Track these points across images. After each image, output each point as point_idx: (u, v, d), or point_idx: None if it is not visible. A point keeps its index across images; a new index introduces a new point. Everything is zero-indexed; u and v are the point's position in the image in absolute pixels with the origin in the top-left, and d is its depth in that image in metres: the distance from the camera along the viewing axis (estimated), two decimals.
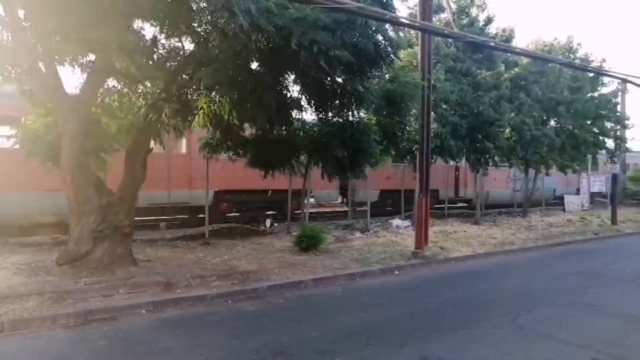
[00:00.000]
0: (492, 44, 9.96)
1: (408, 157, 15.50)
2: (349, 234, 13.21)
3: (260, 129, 10.30)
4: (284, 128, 10.33)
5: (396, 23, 8.95)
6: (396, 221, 15.63)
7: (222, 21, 6.64)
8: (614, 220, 18.12)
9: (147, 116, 7.96)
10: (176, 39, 8.11)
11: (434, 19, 13.69)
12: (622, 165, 24.49)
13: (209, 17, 7.27)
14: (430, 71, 11.17)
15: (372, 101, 9.67)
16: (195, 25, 7.57)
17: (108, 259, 7.81)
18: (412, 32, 14.94)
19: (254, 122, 9.83)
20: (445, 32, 11.17)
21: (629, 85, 20.18)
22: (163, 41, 8.21)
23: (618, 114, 21.86)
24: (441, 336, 5.56)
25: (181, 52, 8.13)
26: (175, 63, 8.00)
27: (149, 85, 7.87)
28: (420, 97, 10.77)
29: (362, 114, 10.65)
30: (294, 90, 9.73)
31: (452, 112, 15.06)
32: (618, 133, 21.88)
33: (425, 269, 9.75)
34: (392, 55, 8.87)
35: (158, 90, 8.33)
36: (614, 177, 19.71)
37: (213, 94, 8.91)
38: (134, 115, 8.61)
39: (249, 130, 10.94)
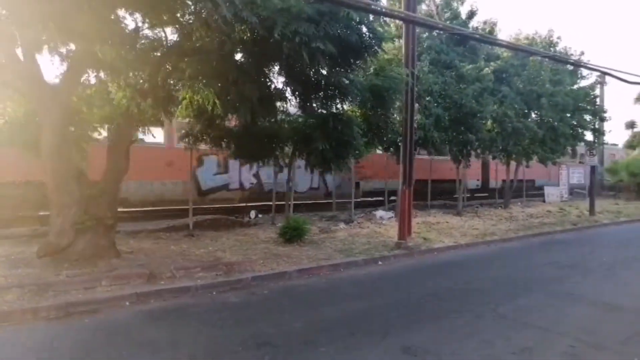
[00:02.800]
0: (477, 36, 10.03)
1: (392, 149, 15.58)
2: (333, 225, 13.28)
3: (244, 120, 10.25)
4: (267, 119, 10.29)
5: (380, 13, 8.96)
6: (380, 212, 15.75)
7: (206, 12, 6.58)
8: (591, 211, 18.53)
9: (129, 107, 7.86)
10: (159, 29, 8.01)
11: (417, 11, 13.71)
12: (600, 157, 24.99)
13: (192, 8, 7.20)
14: (414, 63, 11.22)
15: (356, 94, 9.69)
16: (179, 15, 7.48)
17: (90, 251, 7.74)
18: (398, 23, 14.96)
19: (237, 113, 9.78)
20: (430, 23, 11.19)
21: (606, 79, 20.52)
22: (146, 31, 8.11)
23: (596, 106, 22.23)
24: (423, 326, 5.66)
25: (164, 43, 8.03)
26: (158, 53, 7.91)
27: (131, 75, 7.76)
28: (404, 90, 10.82)
29: (346, 106, 10.67)
30: (278, 82, 9.71)
31: (436, 104, 15.16)
32: (596, 126, 22.28)
33: (408, 260, 9.87)
34: (376, 47, 8.89)
35: (141, 81, 8.23)
36: (592, 169, 20.13)
37: (196, 84, 8.83)
38: (116, 105, 8.50)
39: (232, 122, 10.89)
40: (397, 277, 8.39)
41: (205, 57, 7.71)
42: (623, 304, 6.70)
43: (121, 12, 7.31)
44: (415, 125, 13.06)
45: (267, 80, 9.39)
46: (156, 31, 8.19)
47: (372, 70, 10.67)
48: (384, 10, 8.97)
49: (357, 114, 11.38)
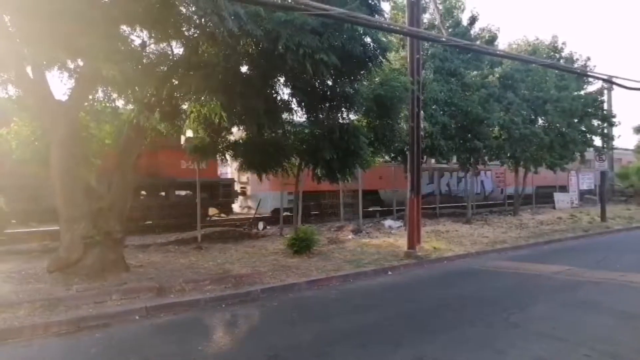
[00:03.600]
0: (475, 46, 10.03)
1: (399, 158, 15.57)
2: (341, 235, 13.24)
3: (251, 132, 10.29)
4: (273, 131, 10.32)
5: (385, 29, 9.00)
6: (388, 222, 15.69)
7: (211, 25, 6.64)
8: (603, 217, 18.31)
9: (137, 120, 7.93)
10: (165, 44, 8.09)
11: (421, 20, 13.76)
12: (610, 162, 24.80)
13: (197, 22, 7.27)
14: (419, 73, 11.24)
15: (361, 103, 9.70)
16: (184, 29, 7.56)
17: (99, 265, 7.76)
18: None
19: (244, 125, 9.83)
20: (432, 37, 11.24)
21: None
22: (152, 46, 8.20)
23: (604, 111, 22.11)
24: (435, 336, 5.58)
25: (170, 57, 8.10)
26: (165, 68, 7.97)
27: (137, 90, 7.83)
28: (409, 99, 10.83)
29: (352, 116, 10.68)
30: (284, 93, 9.75)
31: (442, 112, 15.15)
32: (605, 131, 22.14)
33: (418, 269, 9.80)
34: (380, 58, 8.92)
35: (148, 94, 8.30)
36: (603, 175, 19.93)
37: (203, 98, 8.89)
38: (123, 120, 8.57)
39: (239, 134, 10.93)
40: (407, 287, 8.32)
41: (211, 70, 7.76)
42: (638, 312, 6.59)
43: (127, 28, 7.42)
44: (422, 133, 13.05)
45: (273, 91, 9.44)
46: (162, 46, 8.27)
47: (377, 79, 10.69)
48: (389, 26, 8.99)
49: (363, 123, 11.38)
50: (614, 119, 22.46)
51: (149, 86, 7.56)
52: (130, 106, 8.20)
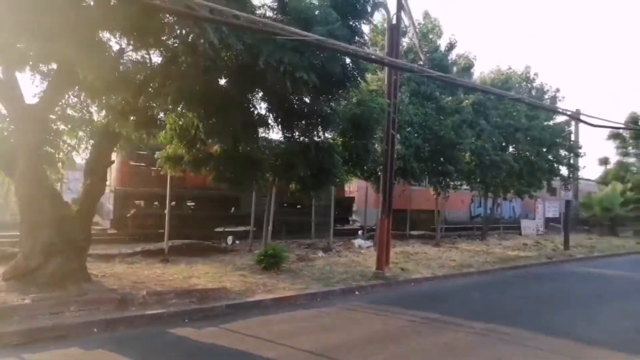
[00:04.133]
0: (449, 78, 10.30)
1: (372, 179, 15.69)
2: (311, 253, 13.19)
3: (226, 145, 10.22)
4: (249, 145, 10.29)
5: (366, 59, 9.13)
6: (358, 241, 15.74)
7: (192, 36, 6.63)
8: (566, 246, 18.81)
9: (109, 128, 7.79)
10: (144, 52, 8.00)
11: (400, 43, 14.03)
12: (575, 192, 25.61)
13: (178, 32, 7.23)
14: (396, 95, 11.41)
15: (338, 123, 9.79)
16: (164, 39, 7.51)
17: (60, 274, 7.50)
18: (381, 52, 15.27)
19: (220, 138, 9.76)
20: (408, 68, 11.49)
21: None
22: (130, 53, 8.10)
23: (571, 142, 22.88)
24: (399, 356, 5.60)
25: (148, 65, 8.02)
26: (142, 76, 7.88)
27: (113, 97, 7.70)
28: (385, 121, 10.98)
29: (327, 135, 10.74)
30: (262, 108, 9.75)
31: (416, 134, 15.39)
32: (571, 161, 22.87)
33: (385, 290, 9.82)
34: (359, 79, 9.04)
35: (123, 102, 8.17)
36: (567, 204, 20.53)
37: (180, 108, 8.81)
38: (95, 127, 8.40)
39: (214, 146, 10.83)
40: (374, 308, 8.31)
41: (189, 81, 7.72)
42: (595, 337, 6.76)
43: (106, 34, 7.32)
44: (395, 155, 13.21)
45: (251, 106, 9.43)
46: (141, 53, 8.18)
47: (354, 100, 10.81)
48: (370, 56, 9.12)
49: (338, 142, 11.46)
50: (580, 150, 23.25)
51: (124, 94, 7.45)
52: (103, 113, 8.05)
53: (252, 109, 9.44)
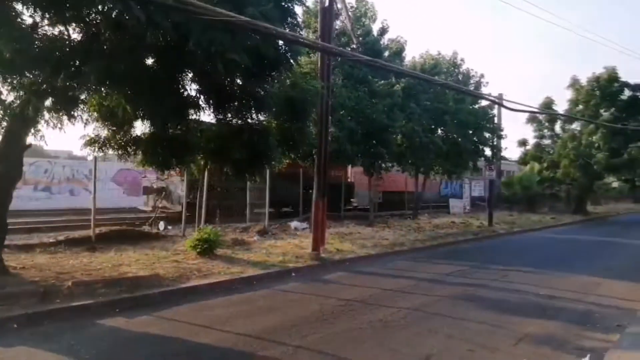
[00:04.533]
0: (379, 63, 10.54)
1: (307, 161, 15.75)
2: (247, 237, 13.10)
3: (155, 127, 9.81)
4: (179, 127, 9.94)
5: (298, 43, 9.05)
6: (295, 223, 15.83)
7: (116, 12, 6.25)
8: (490, 222, 20.04)
9: (23, 110, 7.22)
10: (61, 27, 7.44)
11: (333, 27, 14.06)
12: (498, 172, 27.14)
13: (100, 7, 6.79)
14: (329, 78, 11.47)
15: (271, 105, 9.68)
16: (84, 14, 7.01)
17: None
18: (314, 35, 15.22)
19: (148, 120, 9.34)
20: (344, 53, 11.59)
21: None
22: (46, 28, 7.50)
23: (494, 125, 24.15)
24: (335, 334, 5.74)
25: (67, 42, 7.47)
26: (60, 54, 7.33)
27: (26, 76, 7.11)
28: (319, 103, 11.00)
29: (261, 117, 10.59)
30: (192, 90, 9.42)
31: (349, 117, 15.60)
32: (494, 143, 24.17)
33: (322, 271, 9.99)
34: (291, 61, 8.96)
35: (40, 81, 7.58)
36: (491, 183, 21.78)
37: (104, 89, 8.31)
38: (7, 108, 7.75)
39: (141, 128, 10.36)
40: (310, 289, 8.43)
41: (113, 60, 7.28)
42: (509, 305, 7.29)
43: (18, 5, 6.71)
44: (330, 138, 13.31)
45: (181, 87, 9.09)
46: (58, 29, 7.60)
47: (288, 82, 10.72)
48: (302, 40, 9.05)
49: (273, 125, 11.35)
50: (502, 132, 24.61)
51: (40, 72, 6.91)
52: (16, 93, 7.43)
53: (182, 90, 9.09)
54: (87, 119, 9.21)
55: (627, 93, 27.70)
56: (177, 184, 17.17)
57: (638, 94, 27.52)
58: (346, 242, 13.11)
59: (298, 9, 9.57)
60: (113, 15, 6.56)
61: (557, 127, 30.96)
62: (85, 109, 8.93)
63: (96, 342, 5.39)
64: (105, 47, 7.27)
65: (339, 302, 7.41)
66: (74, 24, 7.24)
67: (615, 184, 40.58)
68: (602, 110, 27.58)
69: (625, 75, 28.35)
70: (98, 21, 7.15)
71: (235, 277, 8.52)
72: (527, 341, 5.81)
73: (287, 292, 8.12)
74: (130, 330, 5.82)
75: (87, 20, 7.14)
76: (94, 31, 7.22)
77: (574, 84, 29.28)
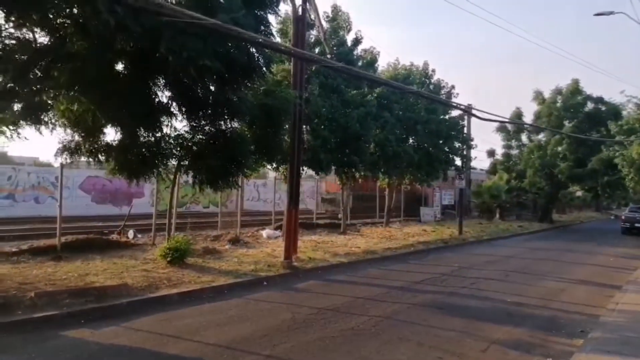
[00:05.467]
0: (354, 70, 10.69)
1: (281, 168, 15.72)
2: (218, 245, 12.94)
3: (126, 134, 9.63)
4: (151, 134, 9.79)
5: (272, 48, 9.10)
6: (267, 231, 15.73)
7: (84, 16, 6.14)
8: (460, 231, 20.35)
9: None
10: (26, 30, 7.25)
11: (307, 36, 14.15)
12: (468, 181, 27.70)
13: (68, 11, 6.66)
14: (302, 86, 11.51)
15: (245, 112, 9.64)
16: (51, 17, 6.86)
17: None
18: (288, 43, 15.26)
19: (119, 126, 9.18)
20: (315, 59, 11.68)
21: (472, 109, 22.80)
22: (11, 30, 7.30)
23: (464, 135, 24.66)
24: (306, 343, 5.72)
25: (33, 45, 7.29)
26: (25, 57, 7.15)
27: None
28: (293, 111, 11.02)
29: (235, 125, 10.54)
30: (164, 96, 9.32)
31: (323, 126, 15.64)
32: (464, 152, 24.67)
33: (294, 279, 9.93)
34: (264, 68, 8.97)
35: (3, 84, 7.36)
36: (461, 192, 22.17)
37: (72, 93, 8.12)
38: None
39: (112, 135, 10.16)
40: (281, 298, 8.37)
41: (82, 64, 7.14)
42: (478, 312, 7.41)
43: None
44: (305, 146, 13.34)
45: (151, 93, 8.97)
46: (23, 31, 7.41)
47: (261, 90, 10.70)
48: (277, 46, 9.09)
49: (246, 132, 11.29)
50: (472, 142, 25.14)
51: (3, 75, 6.71)
52: None
53: (153, 97, 8.98)
54: (55, 125, 8.99)
55: (589, 105, 28.74)
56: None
57: (600, 106, 28.56)
58: (318, 251, 13.09)
59: (271, 18, 9.61)
60: (81, 20, 6.45)
61: (524, 138, 31.83)
62: (53, 114, 8.70)
63: (59, 354, 5.22)
64: (73, 51, 7.12)
65: (310, 310, 7.39)
66: (40, 28, 7.06)
67: (579, 193, 41.93)
68: (565, 122, 28.51)
69: (586, 88, 29.45)
70: (66, 25, 7.01)
71: (206, 286, 8.40)
72: (496, 347, 5.92)
73: (259, 301, 8.04)
74: (96, 342, 5.65)
75: (54, 23, 6.99)
76: (62, 35, 7.08)
77: (537, 96, 30.20)
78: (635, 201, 36.36)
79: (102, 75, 7.57)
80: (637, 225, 25.49)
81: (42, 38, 7.45)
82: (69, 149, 9.88)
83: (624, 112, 25.26)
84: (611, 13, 16.77)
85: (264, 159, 13.01)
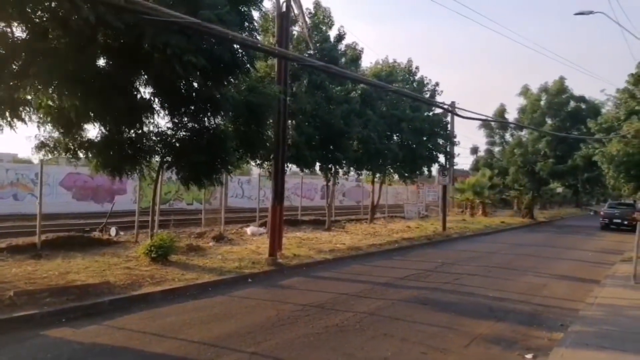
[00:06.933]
0: (334, 69, 10.70)
1: (265, 165, 15.67)
2: (202, 242, 12.87)
3: (108, 131, 9.49)
4: (133, 130, 9.66)
5: (256, 49, 9.07)
6: (251, 228, 15.69)
7: (63, 11, 6.03)
8: (444, 227, 20.55)
9: None
10: (4, 24, 7.09)
11: (290, 32, 14.11)
12: (451, 178, 27.93)
13: (47, 5, 6.53)
14: (286, 85, 11.47)
15: (228, 109, 9.58)
16: (29, 11, 6.72)
17: None
18: (272, 40, 15.20)
19: (100, 122, 9.04)
20: (299, 58, 11.64)
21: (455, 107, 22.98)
22: None
23: (448, 132, 24.85)
24: (291, 340, 5.73)
25: (10, 40, 7.13)
26: (2, 51, 6.99)
27: None
28: (277, 108, 10.98)
29: (219, 121, 10.47)
30: (146, 92, 9.20)
31: (307, 123, 15.64)
32: (448, 149, 24.86)
33: (278, 276, 9.93)
34: (248, 65, 8.93)
35: None
36: (444, 188, 22.36)
37: (51, 89, 7.97)
38: None
39: (94, 131, 10.01)
40: (266, 294, 8.36)
41: (61, 60, 7.01)
42: (461, 308, 7.50)
43: None
44: (289, 142, 13.31)
45: (133, 89, 8.86)
46: (1, 25, 7.24)
47: (245, 86, 10.65)
48: (260, 46, 9.06)
49: (230, 128, 11.22)
50: (455, 139, 25.34)
51: None
52: None
53: (135, 93, 8.87)
54: (34, 120, 8.80)
55: (572, 104, 29.24)
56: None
57: (581, 104, 29.06)
58: (303, 247, 13.09)
59: (255, 14, 9.56)
60: (60, 14, 6.34)
61: (507, 135, 32.24)
62: (32, 110, 8.53)
63: (40, 354, 5.14)
64: (53, 46, 7.00)
65: (295, 307, 7.39)
66: (17, 22, 6.91)
67: (559, 190, 42.66)
68: (548, 119, 28.97)
69: (569, 87, 29.97)
70: (45, 20, 6.87)
71: (189, 284, 8.35)
72: (478, 342, 6.01)
73: (244, 298, 8.02)
74: (78, 341, 5.58)
75: (33, 17, 6.85)
76: (41, 30, 6.94)
77: (525, 91, 30.56)
78: (614, 197, 37.17)
79: (83, 71, 7.45)
80: (615, 221, 26.06)
81: (20, 33, 7.31)
82: (47, 146, 9.71)
83: (603, 110, 25.76)
84: (591, 12, 17.09)
85: (247, 155, 12.96)
